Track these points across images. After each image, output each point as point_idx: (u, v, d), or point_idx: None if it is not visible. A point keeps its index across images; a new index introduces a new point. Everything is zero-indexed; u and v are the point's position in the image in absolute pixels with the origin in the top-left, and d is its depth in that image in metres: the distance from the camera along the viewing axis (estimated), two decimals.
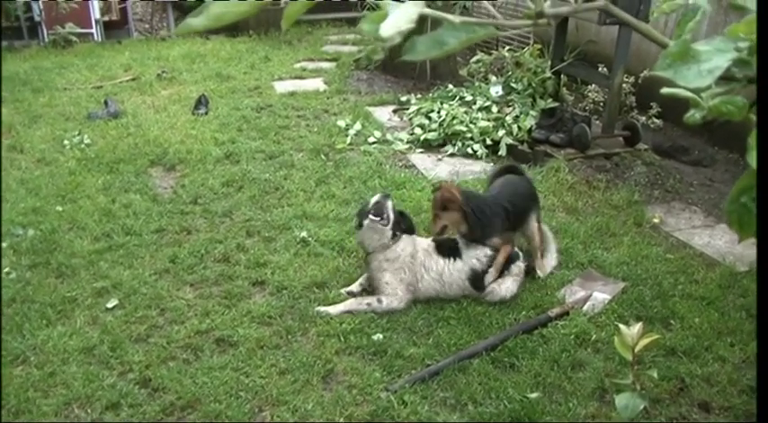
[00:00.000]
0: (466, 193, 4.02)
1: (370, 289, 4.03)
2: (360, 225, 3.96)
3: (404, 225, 4.03)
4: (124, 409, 3.15)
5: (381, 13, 0.89)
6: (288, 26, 1.14)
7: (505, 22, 1.08)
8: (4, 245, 4.44)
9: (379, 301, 3.85)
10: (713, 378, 3.38)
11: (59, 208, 4.98)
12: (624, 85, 6.61)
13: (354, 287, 4.05)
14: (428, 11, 0.93)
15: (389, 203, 3.95)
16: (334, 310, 3.83)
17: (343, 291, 4.02)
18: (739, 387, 3.32)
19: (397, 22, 0.87)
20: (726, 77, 1.09)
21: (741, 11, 1.23)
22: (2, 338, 3.56)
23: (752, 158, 1.04)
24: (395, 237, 3.94)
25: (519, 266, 4.06)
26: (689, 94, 1.09)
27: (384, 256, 3.92)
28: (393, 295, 3.87)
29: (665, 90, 1.09)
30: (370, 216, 3.87)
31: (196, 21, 0.95)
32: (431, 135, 6.30)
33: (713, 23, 5.80)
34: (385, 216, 3.88)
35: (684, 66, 1.05)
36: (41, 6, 9.68)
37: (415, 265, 3.94)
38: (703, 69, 1.04)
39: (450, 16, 0.96)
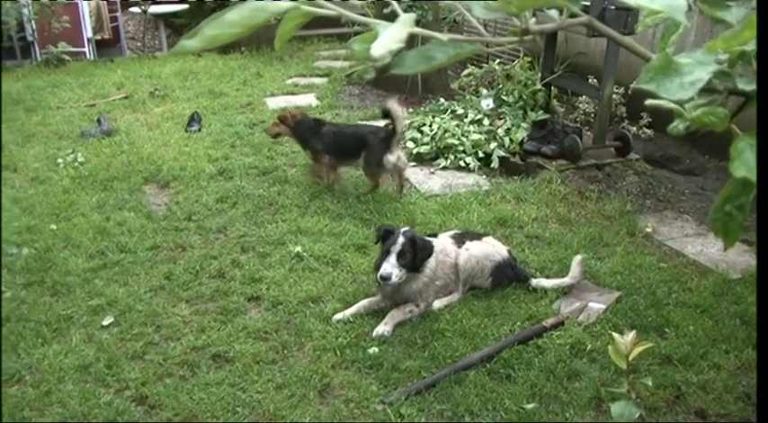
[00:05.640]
0: (300, 119, 5.67)
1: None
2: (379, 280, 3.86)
3: (418, 255, 3.90)
4: None
5: (371, 34, 0.92)
6: (281, 46, 1.16)
7: (492, 39, 1.11)
8: None
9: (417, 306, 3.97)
10: (709, 385, 3.39)
11: (54, 226, 4.98)
12: (614, 95, 6.67)
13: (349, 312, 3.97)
14: (417, 29, 0.96)
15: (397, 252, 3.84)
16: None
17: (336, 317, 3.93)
18: (735, 394, 3.34)
19: (387, 42, 0.89)
20: (707, 89, 1.12)
21: (722, 23, 1.26)
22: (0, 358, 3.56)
23: (734, 168, 1.06)
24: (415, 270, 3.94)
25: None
26: (672, 105, 1.12)
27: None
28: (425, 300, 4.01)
29: (649, 102, 1.12)
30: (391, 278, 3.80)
31: (191, 42, 0.98)
32: (423, 149, 6.34)
33: (700, 34, 5.87)
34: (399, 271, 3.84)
35: (667, 79, 1.08)
36: (34, 26, 9.72)
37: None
38: (685, 82, 1.07)
39: (438, 34, 0.99)
